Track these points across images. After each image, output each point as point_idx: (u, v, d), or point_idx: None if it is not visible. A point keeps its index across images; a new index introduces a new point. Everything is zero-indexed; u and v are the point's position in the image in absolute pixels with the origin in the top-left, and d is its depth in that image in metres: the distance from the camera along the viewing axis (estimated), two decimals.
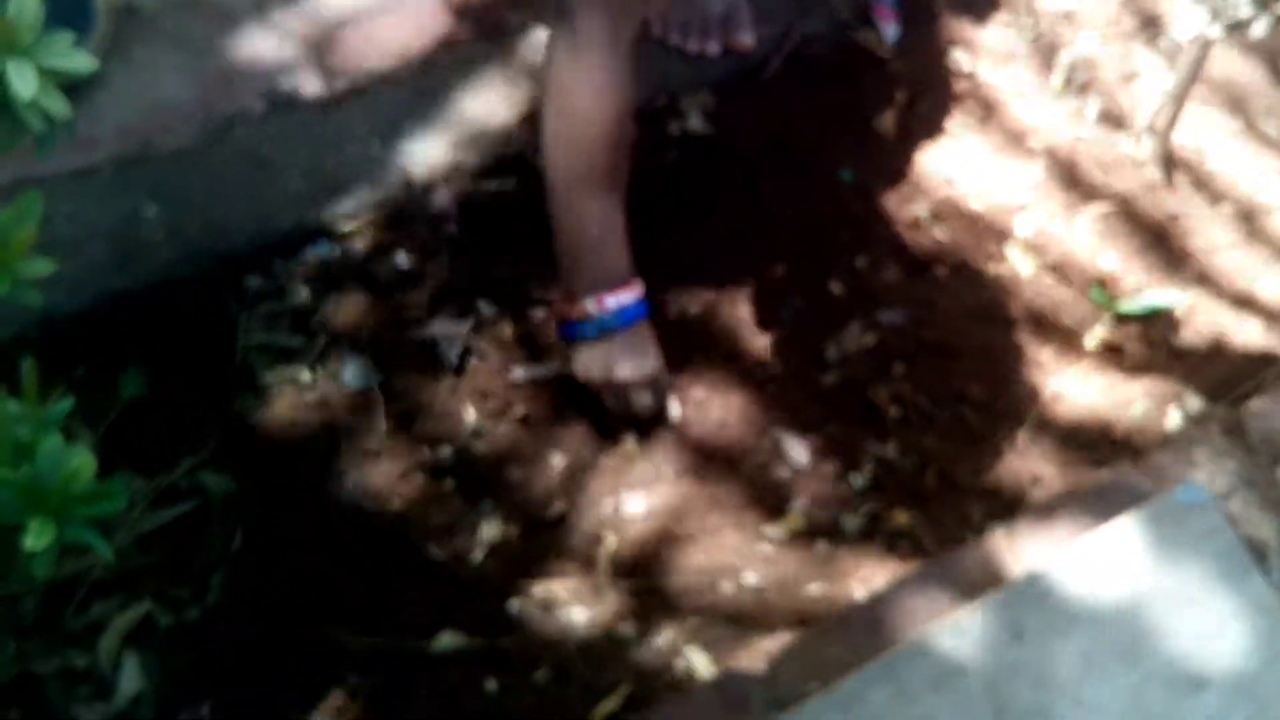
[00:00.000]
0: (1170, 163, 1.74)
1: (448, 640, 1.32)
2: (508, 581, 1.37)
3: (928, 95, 1.76)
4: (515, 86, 1.66)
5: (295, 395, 1.45)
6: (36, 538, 0.83)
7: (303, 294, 1.51)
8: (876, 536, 1.42)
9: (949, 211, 1.66)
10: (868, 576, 1.38)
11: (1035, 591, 1.27)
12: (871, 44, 1.78)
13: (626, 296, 1.38)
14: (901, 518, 1.43)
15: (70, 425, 1.05)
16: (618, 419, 1.45)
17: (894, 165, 1.70)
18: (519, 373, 1.48)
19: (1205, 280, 1.66)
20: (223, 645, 1.31)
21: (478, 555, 1.38)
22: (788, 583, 1.38)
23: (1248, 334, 1.61)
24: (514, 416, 1.46)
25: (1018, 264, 1.63)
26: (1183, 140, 1.77)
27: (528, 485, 1.43)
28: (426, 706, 1.29)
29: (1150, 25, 1.87)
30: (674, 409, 1.48)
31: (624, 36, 1.29)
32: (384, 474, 1.41)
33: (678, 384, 1.49)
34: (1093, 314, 1.60)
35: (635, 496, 1.43)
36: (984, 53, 1.81)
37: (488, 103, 1.65)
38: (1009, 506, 1.43)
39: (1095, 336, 1.58)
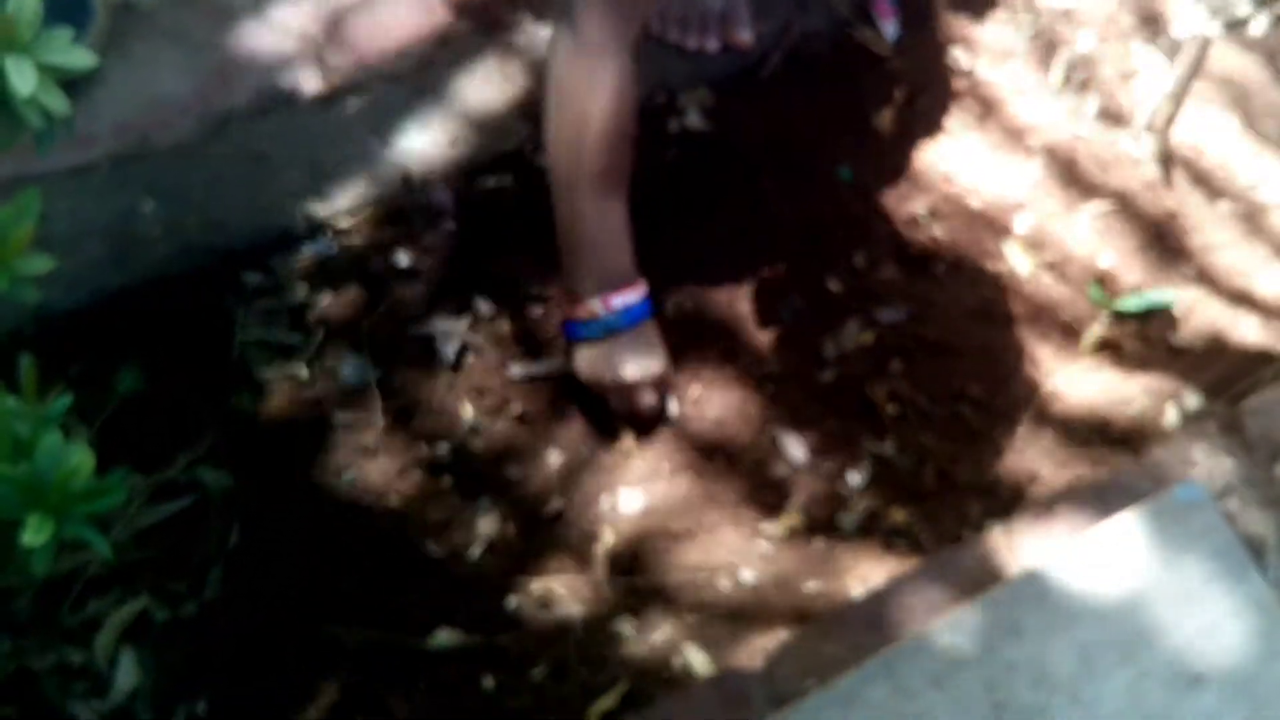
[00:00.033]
0: (1169, 160, 1.74)
1: (445, 637, 1.32)
2: (505, 578, 1.37)
3: (927, 93, 1.76)
4: (513, 83, 1.66)
5: (292, 391, 1.45)
6: (35, 533, 0.83)
7: (300, 290, 1.51)
8: (874, 534, 1.42)
9: (948, 209, 1.66)
10: (866, 574, 1.38)
11: (1033, 589, 1.27)
12: (870, 42, 1.78)
13: (632, 296, 1.38)
14: (899, 515, 1.43)
15: (67, 421, 1.05)
16: (620, 418, 1.45)
17: (893, 163, 1.70)
18: (516, 370, 1.48)
19: (1204, 278, 1.66)
20: (219, 641, 1.31)
21: (475, 552, 1.38)
22: (785, 580, 1.38)
23: (1246, 332, 1.61)
24: (511, 413, 1.46)
25: (1016, 262, 1.63)
26: (1182, 138, 1.77)
27: (525, 482, 1.43)
28: (423, 703, 1.29)
29: (1149, 23, 1.87)
30: (672, 406, 1.48)
31: (627, 35, 1.29)
32: (381, 470, 1.41)
33: (676, 381, 1.49)
34: (1091, 312, 1.60)
35: (633, 493, 1.43)
36: (983, 50, 1.81)
37: (486, 99, 1.65)
38: (1007, 504, 1.44)
39: (1093, 334, 1.58)
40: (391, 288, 1.52)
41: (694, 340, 1.52)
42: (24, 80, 0.87)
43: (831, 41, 1.79)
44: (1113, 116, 1.79)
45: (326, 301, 1.50)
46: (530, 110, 1.63)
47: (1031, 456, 1.48)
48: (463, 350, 1.49)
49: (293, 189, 1.56)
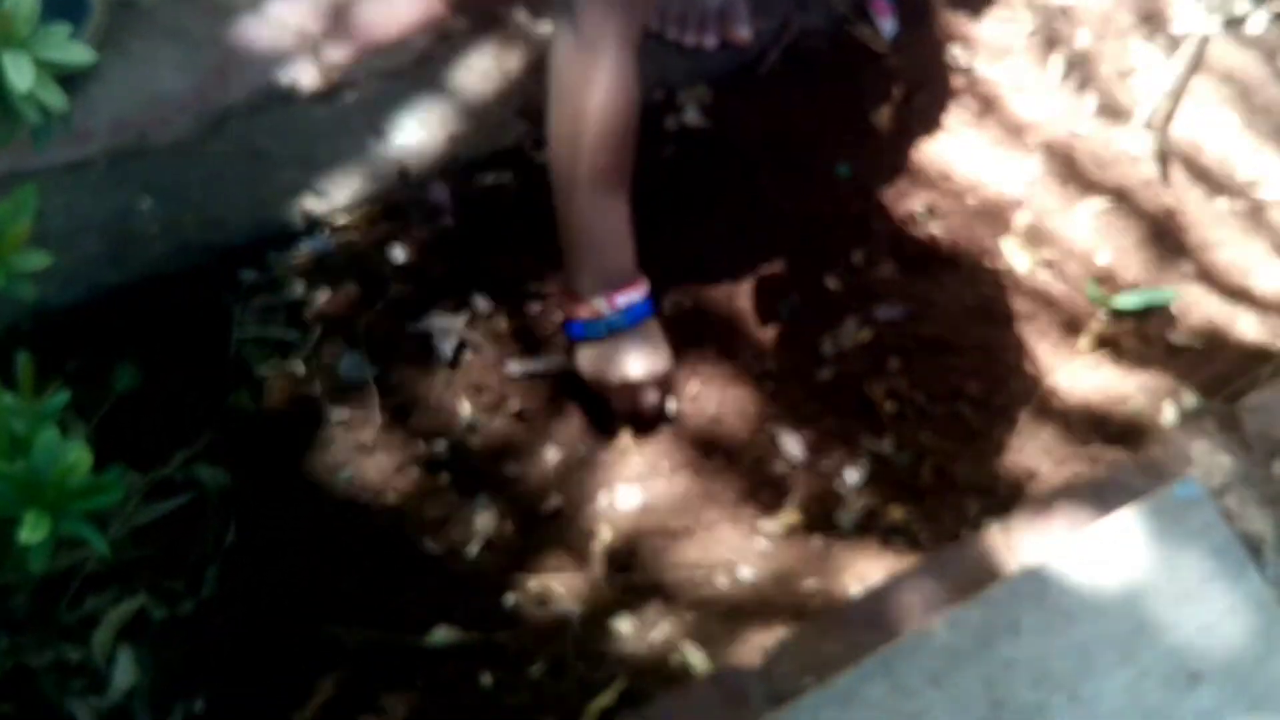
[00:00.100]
0: (1167, 158, 1.74)
1: (443, 634, 1.32)
2: (503, 576, 1.37)
3: (925, 90, 1.76)
4: (512, 80, 1.66)
5: (290, 388, 1.45)
6: (32, 531, 0.82)
7: (298, 287, 1.51)
8: (873, 532, 1.42)
9: (946, 206, 1.66)
10: (864, 572, 1.38)
11: (1032, 587, 1.27)
12: (868, 39, 1.78)
13: (635, 294, 1.37)
14: (898, 513, 1.43)
15: (64, 418, 1.05)
16: (621, 417, 1.45)
17: (891, 160, 1.70)
18: (514, 367, 1.48)
19: (1202, 275, 1.66)
20: (217, 639, 1.30)
21: (473, 549, 1.38)
22: (784, 578, 1.38)
23: (1245, 329, 1.61)
24: (509, 410, 1.46)
25: (1014, 260, 1.63)
26: (1180, 135, 1.77)
27: (523, 479, 1.43)
28: (421, 701, 1.29)
29: (1148, 20, 1.87)
30: (670, 404, 1.47)
31: (627, 31, 1.28)
32: (379, 468, 1.41)
33: (677, 379, 1.49)
34: (1089, 309, 1.60)
35: (631, 491, 1.43)
36: (981, 47, 1.81)
37: (484, 96, 1.65)
38: (1005, 502, 1.43)
39: (1092, 332, 1.58)
40: (389, 284, 1.52)
41: (692, 338, 1.52)
42: (21, 75, 0.87)
43: (830, 39, 1.79)
44: (1111, 114, 1.79)
45: (324, 298, 1.50)
46: (528, 107, 1.63)
47: (1030, 454, 1.48)
48: (460, 347, 1.49)
49: (290, 186, 1.56)
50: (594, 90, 1.27)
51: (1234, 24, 1.53)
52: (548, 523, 1.41)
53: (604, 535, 1.40)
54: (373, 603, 1.33)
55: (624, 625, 1.34)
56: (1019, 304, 1.60)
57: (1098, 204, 1.69)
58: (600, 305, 1.36)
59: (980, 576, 1.29)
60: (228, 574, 1.34)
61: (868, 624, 1.27)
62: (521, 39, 1.69)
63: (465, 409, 1.45)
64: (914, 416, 1.50)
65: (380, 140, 1.60)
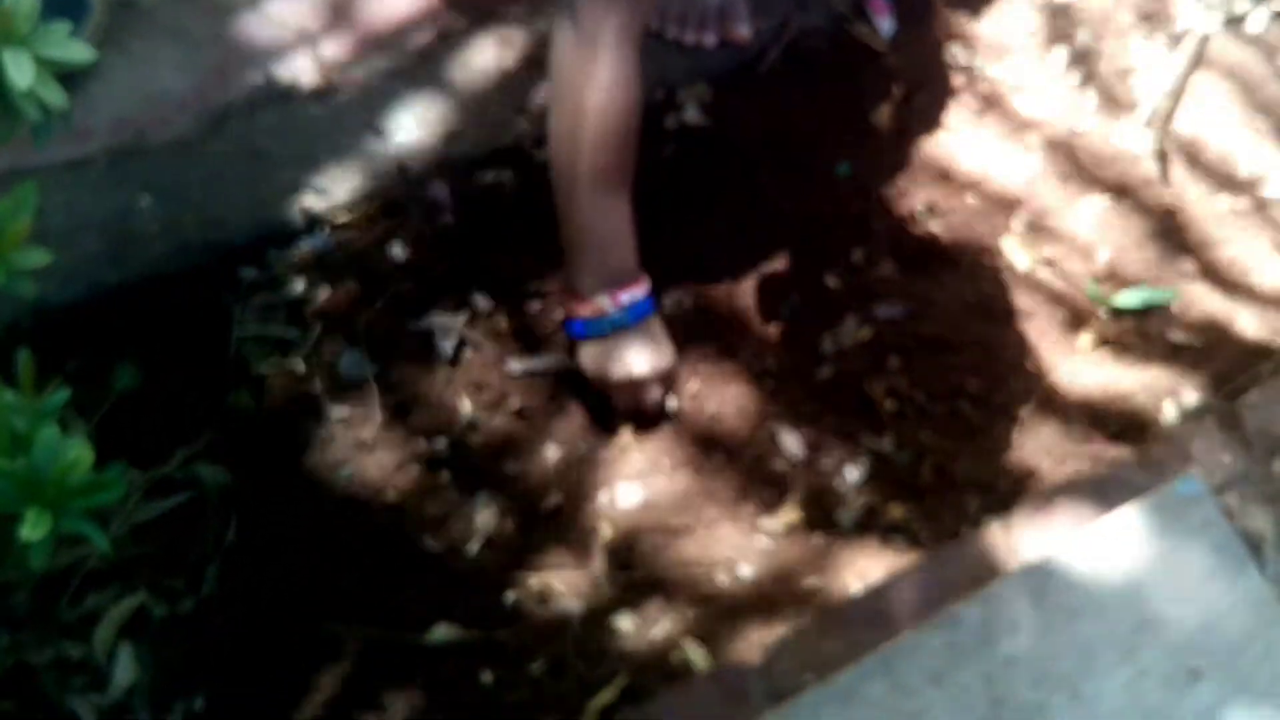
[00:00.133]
0: (1168, 155, 1.74)
1: (443, 632, 1.32)
2: (503, 573, 1.37)
3: (925, 88, 1.76)
4: (511, 78, 1.66)
5: (290, 386, 1.45)
6: (33, 528, 0.83)
7: (298, 285, 1.51)
8: (873, 530, 1.42)
9: (946, 205, 1.66)
10: (864, 570, 1.38)
11: (1032, 585, 1.27)
12: (867, 38, 1.78)
13: (638, 292, 1.37)
14: (898, 511, 1.43)
15: (65, 416, 1.05)
16: (624, 414, 1.45)
17: (891, 159, 1.70)
18: (515, 365, 1.48)
19: (1203, 273, 1.66)
20: (217, 637, 1.31)
21: (473, 547, 1.38)
22: (784, 575, 1.38)
23: (1245, 327, 1.61)
24: (509, 408, 1.46)
25: (1015, 257, 1.63)
26: (1181, 133, 1.77)
27: (523, 477, 1.43)
28: (421, 698, 1.29)
29: (1148, 18, 1.87)
30: (671, 402, 1.47)
31: (628, 29, 1.28)
32: (379, 465, 1.41)
33: (678, 376, 1.49)
34: (1090, 307, 1.60)
35: (631, 488, 1.43)
36: (981, 46, 1.81)
37: (484, 93, 1.65)
38: (1005, 500, 1.43)
39: (1092, 330, 1.58)
40: (389, 282, 1.52)
41: (692, 336, 1.52)
42: (21, 73, 0.87)
43: (830, 37, 1.79)
44: (1112, 112, 1.79)
45: (324, 296, 1.50)
46: (528, 105, 1.63)
47: (1030, 452, 1.48)
48: (461, 345, 1.49)
49: (290, 184, 1.56)
50: (594, 87, 1.27)
51: (1234, 22, 1.53)
52: (548, 520, 1.41)
53: (604, 533, 1.40)
54: (373, 600, 1.33)
55: (624, 623, 1.34)
56: (1019, 302, 1.60)
57: (1098, 202, 1.69)
58: (603, 303, 1.36)
59: (981, 574, 1.29)
60: (228, 572, 1.34)
61: (868, 622, 1.28)
62: (521, 36, 1.69)
63: (465, 407, 1.45)
64: (914, 415, 1.50)
65: (380, 138, 1.60)
